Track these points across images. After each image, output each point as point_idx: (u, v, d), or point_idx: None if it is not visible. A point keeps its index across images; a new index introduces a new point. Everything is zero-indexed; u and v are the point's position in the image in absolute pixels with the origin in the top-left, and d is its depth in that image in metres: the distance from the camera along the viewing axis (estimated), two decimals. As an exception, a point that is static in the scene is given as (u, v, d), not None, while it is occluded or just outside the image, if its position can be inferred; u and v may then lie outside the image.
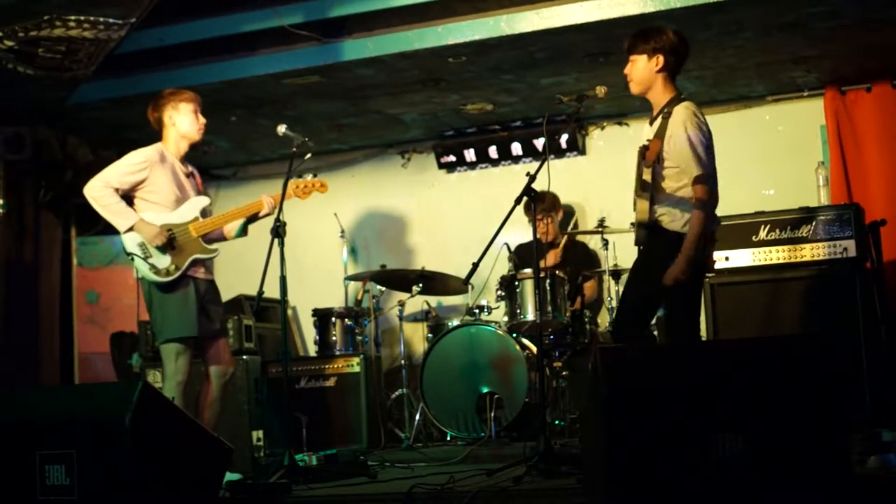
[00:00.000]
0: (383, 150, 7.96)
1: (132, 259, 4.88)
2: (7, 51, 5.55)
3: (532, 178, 4.49)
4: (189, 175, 5.09)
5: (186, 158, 5.11)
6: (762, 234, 5.42)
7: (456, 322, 6.28)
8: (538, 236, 4.69)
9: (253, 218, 5.14)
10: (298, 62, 6.10)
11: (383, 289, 6.93)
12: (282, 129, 5.18)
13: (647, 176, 4.29)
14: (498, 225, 4.57)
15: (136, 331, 6.62)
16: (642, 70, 4.37)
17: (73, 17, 5.26)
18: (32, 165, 6.93)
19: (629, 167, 4.50)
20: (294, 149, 5.11)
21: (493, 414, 5.84)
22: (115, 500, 3.43)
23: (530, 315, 5.93)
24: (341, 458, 5.33)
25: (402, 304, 6.67)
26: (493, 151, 7.49)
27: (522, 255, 6.46)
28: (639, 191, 4.34)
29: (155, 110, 5.02)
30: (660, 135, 4.26)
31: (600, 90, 4.58)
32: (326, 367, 6.41)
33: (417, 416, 6.19)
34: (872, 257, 5.34)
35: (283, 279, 4.94)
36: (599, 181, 7.27)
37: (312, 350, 6.90)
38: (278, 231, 4.91)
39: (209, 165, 7.93)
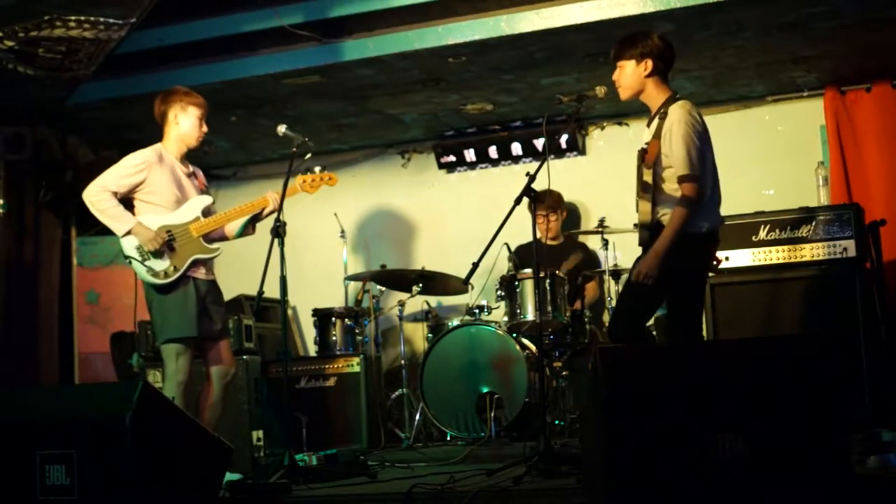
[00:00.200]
0: (383, 150, 7.96)
1: (130, 262, 4.86)
2: (7, 51, 5.55)
3: (532, 178, 4.50)
4: (190, 175, 5.06)
5: (187, 158, 5.08)
6: (762, 234, 5.42)
7: (456, 322, 6.28)
8: (538, 236, 4.69)
9: (257, 216, 5.11)
10: (298, 62, 6.10)
11: (383, 289, 6.92)
12: (282, 129, 5.17)
13: (647, 177, 4.29)
14: (498, 225, 4.57)
15: (136, 331, 6.61)
16: (631, 76, 4.37)
17: (73, 18, 5.26)
18: (32, 165, 6.93)
19: (629, 167, 4.51)
20: (294, 149, 5.10)
21: (493, 414, 5.84)
22: (115, 500, 3.43)
23: (530, 315, 5.92)
24: (341, 458, 5.32)
25: (402, 304, 6.66)
26: (493, 151, 7.49)
27: (523, 256, 6.44)
28: (640, 192, 4.34)
29: (163, 103, 4.98)
30: (658, 136, 4.27)
31: (600, 90, 4.58)
32: (326, 367, 6.40)
33: (417, 416, 6.18)
34: (872, 257, 5.34)
35: (283, 279, 4.93)
36: (599, 181, 7.27)
37: (312, 350, 6.89)
38: (278, 231, 4.90)
39: (209, 165, 7.90)
